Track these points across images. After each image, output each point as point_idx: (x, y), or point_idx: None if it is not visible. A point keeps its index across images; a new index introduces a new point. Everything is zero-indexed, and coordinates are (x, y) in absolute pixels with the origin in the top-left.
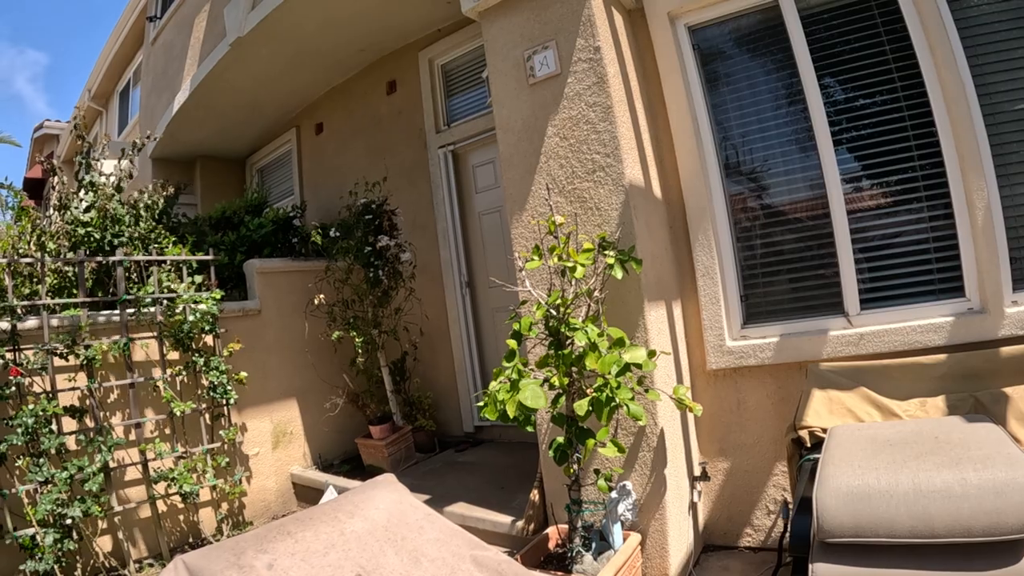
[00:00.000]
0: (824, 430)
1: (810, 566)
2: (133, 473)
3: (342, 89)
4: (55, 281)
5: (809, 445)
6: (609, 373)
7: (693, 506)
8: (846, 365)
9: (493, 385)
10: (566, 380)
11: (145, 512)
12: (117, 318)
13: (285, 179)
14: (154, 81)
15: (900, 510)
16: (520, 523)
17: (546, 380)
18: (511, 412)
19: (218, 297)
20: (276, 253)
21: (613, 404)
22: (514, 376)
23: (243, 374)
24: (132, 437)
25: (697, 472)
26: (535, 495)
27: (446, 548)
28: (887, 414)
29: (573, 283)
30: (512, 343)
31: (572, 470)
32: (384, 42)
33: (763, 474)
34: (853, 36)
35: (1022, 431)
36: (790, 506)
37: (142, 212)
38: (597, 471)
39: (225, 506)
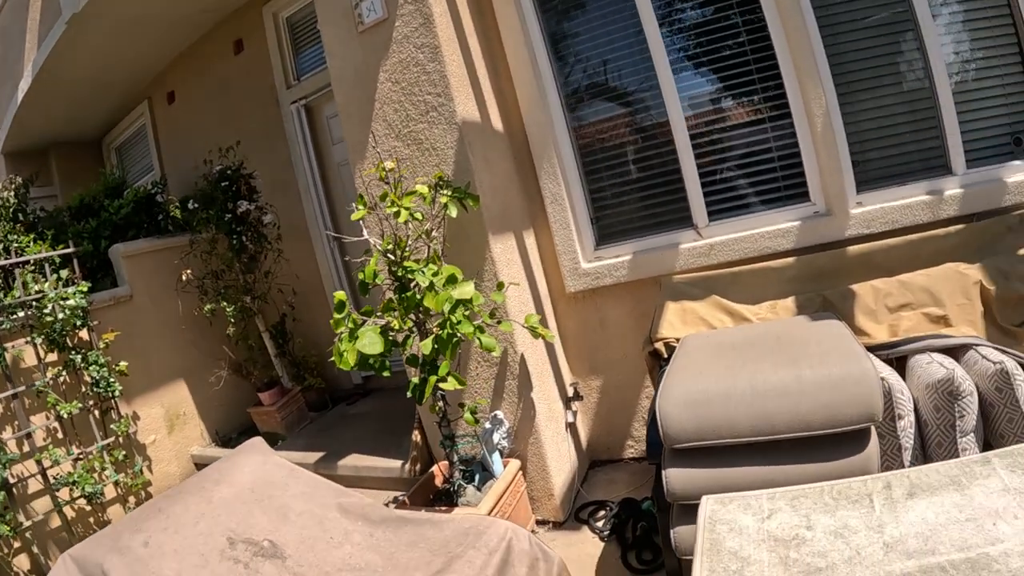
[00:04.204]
0: (678, 340)
1: (663, 472)
2: (34, 485)
3: (190, 54)
4: None
5: (666, 356)
6: (443, 311)
7: (571, 426)
8: (698, 276)
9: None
10: (410, 322)
11: (55, 522)
12: None
13: (143, 155)
14: None
15: (739, 411)
16: (407, 465)
17: (387, 324)
18: (351, 361)
19: (85, 289)
20: (143, 233)
21: (455, 339)
22: (351, 326)
23: (124, 364)
24: (26, 448)
25: (570, 393)
26: (417, 436)
27: (312, 500)
28: (738, 319)
29: (410, 225)
30: (340, 295)
31: (438, 407)
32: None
33: (635, 387)
34: None
35: (869, 323)
36: None
37: None
38: (462, 404)
39: (132, 499)
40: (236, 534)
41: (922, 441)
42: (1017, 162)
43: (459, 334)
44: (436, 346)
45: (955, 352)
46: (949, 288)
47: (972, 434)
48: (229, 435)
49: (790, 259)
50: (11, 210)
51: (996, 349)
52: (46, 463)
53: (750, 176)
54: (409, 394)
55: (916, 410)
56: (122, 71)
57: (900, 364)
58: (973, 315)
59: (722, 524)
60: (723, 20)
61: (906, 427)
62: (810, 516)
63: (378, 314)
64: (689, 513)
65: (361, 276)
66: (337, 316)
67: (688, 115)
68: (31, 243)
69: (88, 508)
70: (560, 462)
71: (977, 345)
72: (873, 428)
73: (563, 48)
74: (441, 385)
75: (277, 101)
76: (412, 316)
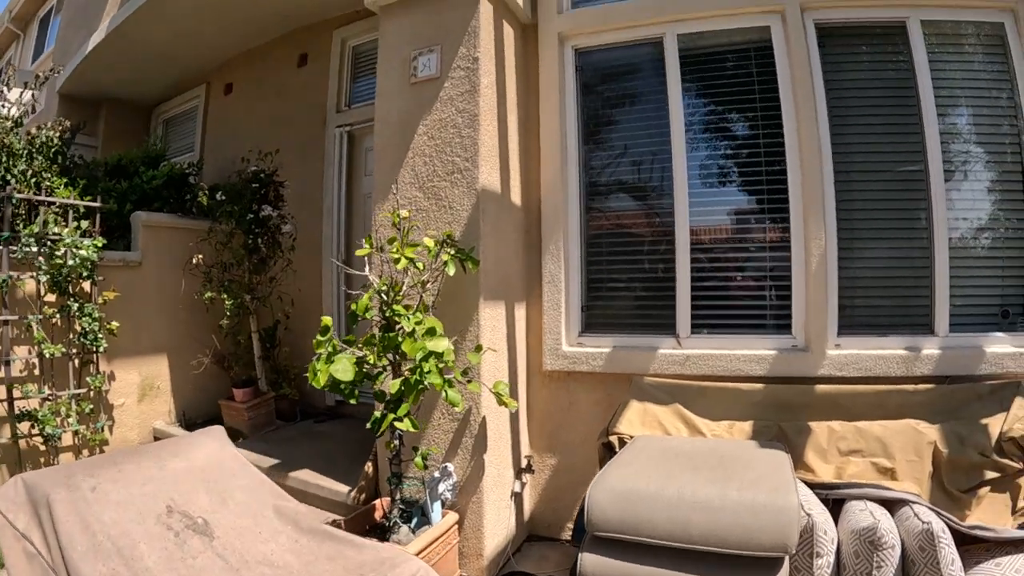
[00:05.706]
0: (632, 438)
1: (579, 555)
2: None
3: (257, 53)
4: None
5: (618, 450)
6: (415, 358)
7: (516, 496)
8: (668, 382)
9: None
10: (385, 360)
11: (6, 450)
12: None
13: (188, 134)
14: (74, 15)
15: (662, 514)
16: (354, 493)
17: (362, 357)
18: (322, 381)
19: (100, 244)
20: (167, 208)
21: (421, 386)
22: (330, 350)
23: (115, 324)
24: (1, 374)
25: (523, 464)
26: (369, 467)
27: (253, 495)
28: (694, 431)
29: (409, 273)
30: (327, 320)
31: (393, 445)
32: (305, 12)
33: (587, 473)
34: (727, 83)
35: (817, 461)
36: None
37: (36, 149)
38: (415, 448)
39: (86, 453)
40: (176, 504)
41: None
42: (1000, 334)
43: (426, 382)
44: (403, 388)
45: (892, 505)
46: (902, 443)
47: None
48: (195, 420)
49: (758, 385)
50: (52, 151)
51: (930, 509)
52: (16, 393)
53: (739, 298)
54: (369, 426)
55: (839, 552)
56: (190, 51)
57: (837, 506)
58: (921, 473)
59: None
60: (748, 150)
61: (823, 566)
62: None
63: (358, 346)
64: None
65: (353, 307)
66: (320, 338)
67: (694, 227)
68: (62, 187)
69: (42, 448)
70: (497, 526)
71: (913, 502)
72: (787, 559)
73: (594, 142)
74: (397, 424)
75: (324, 121)
76: (390, 355)
